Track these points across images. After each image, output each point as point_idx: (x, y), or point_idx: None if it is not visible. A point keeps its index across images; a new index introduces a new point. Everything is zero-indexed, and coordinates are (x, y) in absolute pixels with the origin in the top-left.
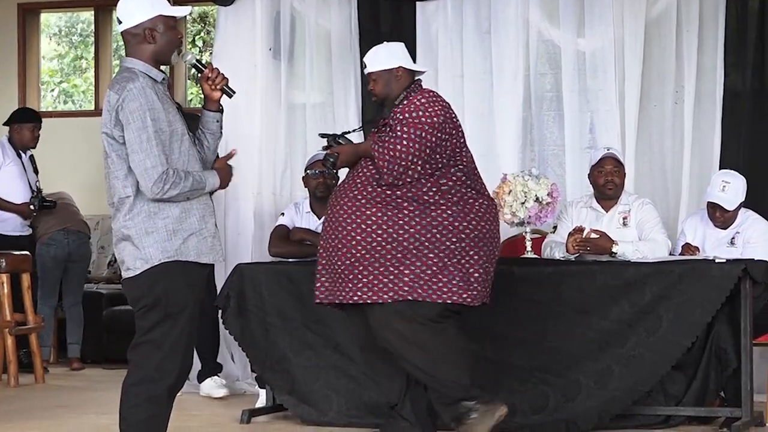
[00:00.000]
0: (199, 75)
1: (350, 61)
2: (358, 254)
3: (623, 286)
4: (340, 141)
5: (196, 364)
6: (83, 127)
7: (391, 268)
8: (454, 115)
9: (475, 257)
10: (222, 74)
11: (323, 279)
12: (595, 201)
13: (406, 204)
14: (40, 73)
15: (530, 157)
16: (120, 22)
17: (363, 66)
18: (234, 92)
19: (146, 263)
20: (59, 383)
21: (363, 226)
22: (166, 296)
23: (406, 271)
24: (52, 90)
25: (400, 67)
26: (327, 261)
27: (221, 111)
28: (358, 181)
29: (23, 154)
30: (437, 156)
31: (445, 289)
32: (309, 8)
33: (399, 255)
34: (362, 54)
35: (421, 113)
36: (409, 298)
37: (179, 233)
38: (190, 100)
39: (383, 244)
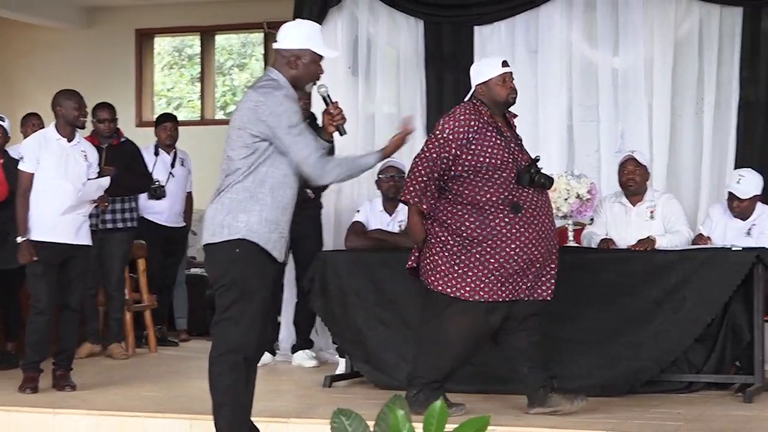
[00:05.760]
0: (325, 108)
1: (416, 78)
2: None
3: (653, 270)
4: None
5: (293, 338)
6: (192, 134)
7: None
8: None
9: None
10: (342, 114)
11: (526, 278)
12: (624, 197)
13: None
14: (153, 88)
15: (571, 160)
16: (276, 40)
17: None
18: (345, 132)
19: (230, 235)
20: (169, 353)
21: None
22: (241, 279)
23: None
24: (167, 101)
25: None
26: (536, 263)
27: (331, 142)
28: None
29: (163, 153)
30: None
31: None
32: (381, 32)
33: None
34: (427, 72)
35: None
36: None
37: (269, 224)
38: None
39: None
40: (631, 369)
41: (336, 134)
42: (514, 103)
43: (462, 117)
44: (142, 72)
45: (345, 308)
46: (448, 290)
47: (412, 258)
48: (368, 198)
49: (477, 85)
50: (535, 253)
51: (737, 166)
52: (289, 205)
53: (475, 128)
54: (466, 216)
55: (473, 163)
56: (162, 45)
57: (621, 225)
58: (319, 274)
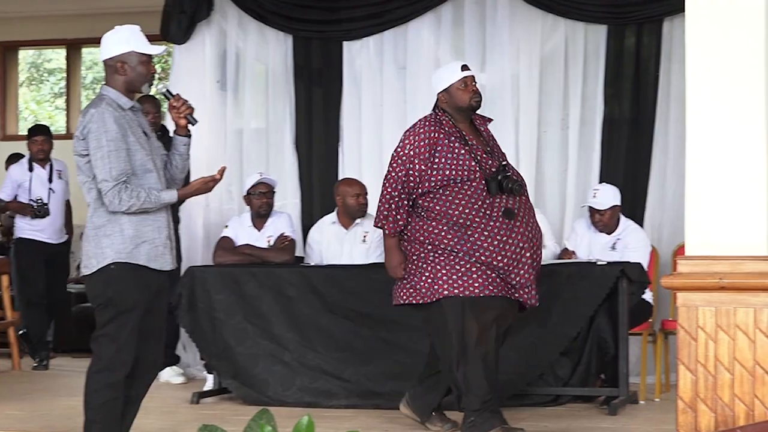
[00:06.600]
0: (168, 104)
1: (285, 92)
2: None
3: None
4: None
5: None
6: (58, 148)
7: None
8: None
9: None
10: (187, 104)
11: (533, 283)
12: None
13: None
14: (18, 101)
15: None
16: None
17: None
18: (197, 121)
19: (99, 263)
20: (33, 370)
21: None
22: (117, 297)
23: None
24: (28, 115)
25: None
26: (529, 267)
27: (189, 136)
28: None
29: (38, 168)
30: None
31: None
32: (250, 47)
33: None
34: (296, 87)
35: None
36: None
37: (133, 239)
38: None
39: None
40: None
41: (190, 126)
42: (478, 107)
43: (422, 130)
44: (6, 85)
45: (213, 324)
46: (456, 291)
47: (401, 292)
48: (237, 213)
49: (439, 94)
50: (528, 255)
51: (601, 181)
52: (150, 214)
53: (437, 140)
54: (444, 232)
55: (440, 177)
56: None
57: None
58: (187, 289)
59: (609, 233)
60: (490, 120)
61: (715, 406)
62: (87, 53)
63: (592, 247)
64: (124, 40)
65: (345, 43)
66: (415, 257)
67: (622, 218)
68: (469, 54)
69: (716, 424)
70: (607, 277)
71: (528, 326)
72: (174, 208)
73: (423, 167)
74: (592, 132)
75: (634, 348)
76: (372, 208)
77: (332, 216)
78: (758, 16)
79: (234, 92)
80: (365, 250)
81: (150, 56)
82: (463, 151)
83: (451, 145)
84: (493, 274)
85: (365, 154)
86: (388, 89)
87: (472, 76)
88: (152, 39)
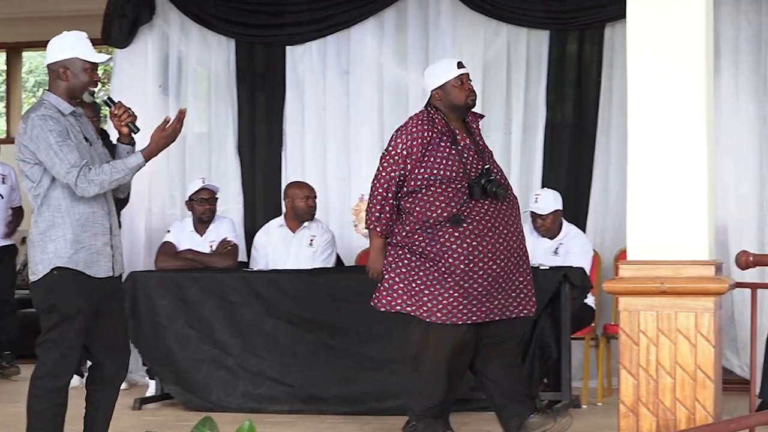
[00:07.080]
0: (110, 112)
1: (228, 97)
2: (529, 273)
3: None
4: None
5: None
6: None
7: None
8: None
9: None
10: (128, 112)
11: (494, 297)
12: None
13: None
14: None
15: None
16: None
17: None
18: (138, 129)
19: (45, 269)
20: None
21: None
22: (60, 302)
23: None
24: None
25: None
26: (500, 280)
27: (132, 144)
28: (511, 209)
29: None
30: None
31: None
32: (192, 51)
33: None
34: (239, 91)
35: None
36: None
37: (73, 245)
38: None
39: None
40: None
41: (133, 134)
42: (474, 105)
43: (415, 130)
44: None
45: (155, 329)
46: (408, 309)
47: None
48: (179, 218)
49: (433, 91)
50: (494, 267)
51: (544, 185)
52: (90, 219)
53: (429, 139)
54: (418, 234)
55: (426, 176)
56: None
57: None
58: (129, 294)
59: (551, 238)
60: (482, 116)
61: (657, 410)
62: (28, 57)
63: (534, 251)
64: (69, 45)
65: (288, 48)
66: (385, 261)
67: (565, 223)
68: (412, 59)
69: (658, 427)
70: (550, 282)
71: None
72: (118, 214)
73: (412, 166)
74: (535, 137)
75: (577, 352)
76: (320, 213)
77: (280, 219)
78: (698, 22)
79: (176, 97)
80: (311, 253)
81: (94, 64)
82: (453, 152)
83: (442, 144)
84: (445, 300)
85: (308, 159)
86: (331, 94)
87: (468, 74)
88: (94, 43)
